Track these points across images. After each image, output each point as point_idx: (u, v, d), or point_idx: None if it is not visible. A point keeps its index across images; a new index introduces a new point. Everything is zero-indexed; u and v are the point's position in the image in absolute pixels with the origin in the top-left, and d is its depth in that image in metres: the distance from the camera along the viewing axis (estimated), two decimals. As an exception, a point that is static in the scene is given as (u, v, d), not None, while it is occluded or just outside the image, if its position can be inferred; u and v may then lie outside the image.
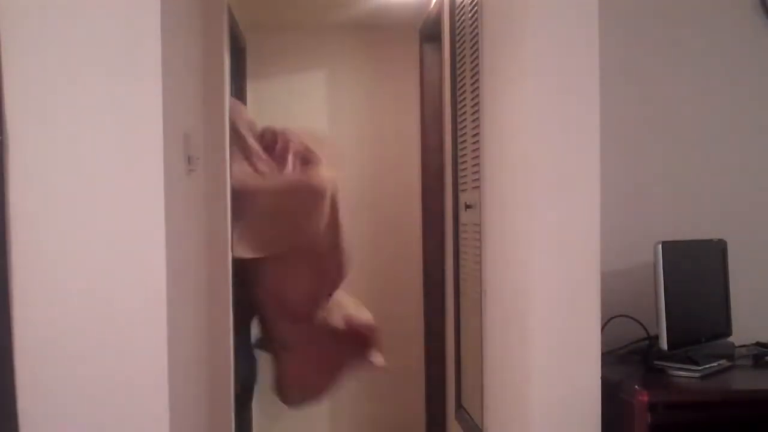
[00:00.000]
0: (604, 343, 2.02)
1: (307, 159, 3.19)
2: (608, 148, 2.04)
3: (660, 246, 2.10)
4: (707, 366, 2.12)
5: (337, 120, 4.40)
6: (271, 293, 3.12)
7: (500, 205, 2.33)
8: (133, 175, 1.79)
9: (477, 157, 2.60)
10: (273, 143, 3.22)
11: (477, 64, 2.56)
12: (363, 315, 3.35)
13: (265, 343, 3.32)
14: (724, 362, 2.20)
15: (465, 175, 2.85)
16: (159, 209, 1.80)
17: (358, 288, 4.38)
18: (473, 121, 2.65)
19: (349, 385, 4.37)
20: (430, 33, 3.80)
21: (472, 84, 2.65)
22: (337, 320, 3.24)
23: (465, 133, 2.82)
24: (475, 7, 2.58)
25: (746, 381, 2.19)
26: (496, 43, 2.35)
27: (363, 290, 4.39)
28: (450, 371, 3.31)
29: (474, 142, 2.65)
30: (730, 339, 2.37)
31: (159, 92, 1.79)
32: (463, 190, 2.91)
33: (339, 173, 3.26)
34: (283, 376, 3.27)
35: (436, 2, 3.51)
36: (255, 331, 3.39)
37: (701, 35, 2.54)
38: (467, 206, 2.81)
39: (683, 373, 2.10)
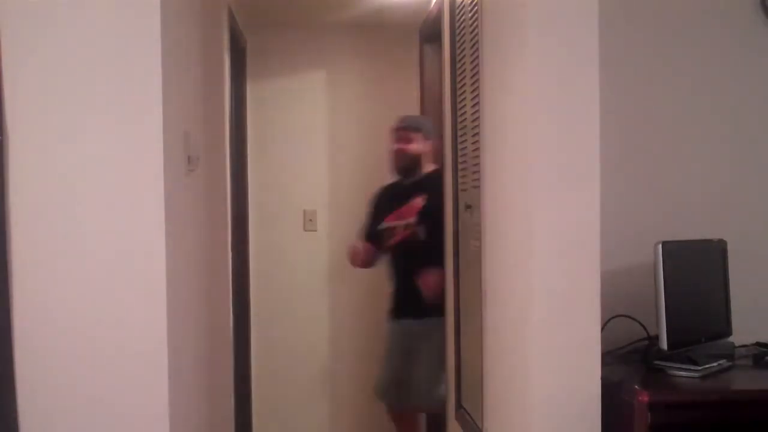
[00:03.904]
0: (604, 343, 2.01)
1: None
2: (608, 147, 2.04)
3: (660, 246, 2.10)
4: (707, 366, 2.12)
5: (337, 120, 4.40)
6: None
7: (500, 205, 2.33)
8: (133, 175, 1.79)
9: (477, 157, 2.60)
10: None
11: (477, 64, 2.56)
12: None
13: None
14: (724, 362, 2.20)
15: (465, 175, 2.85)
16: (159, 209, 1.80)
17: (357, 288, 4.39)
18: (473, 121, 2.65)
19: (350, 385, 4.38)
20: (430, 33, 3.79)
21: (472, 84, 2.65)
22: None
23: (465, 133, 2.82)
24: (475, 7, 2.58)
25: (746, 381, 2.19)
26: (496, 43, 2.35)
27: (363, 290, 4.40)
28: (450, 371, 3.30)
29: (474, 142, 2.65)
30: (730, 339, 2.37)
31: (159, 92, 1.79)
32: (463, 190, 2.91)
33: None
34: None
35: (436, 2, 3.51)
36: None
37: (701, 35, 2.54)
38: (467, 206, 2.81)
39: (683, 373, 2.10)
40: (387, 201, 3.73)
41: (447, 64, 3.23)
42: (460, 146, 2.94)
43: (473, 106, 2.64)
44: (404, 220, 3.57)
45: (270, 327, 4.34)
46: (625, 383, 2.02)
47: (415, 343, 3.57)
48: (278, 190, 4.38)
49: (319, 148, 4.39)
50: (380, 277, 4.37)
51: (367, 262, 3.78)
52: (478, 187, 2.60)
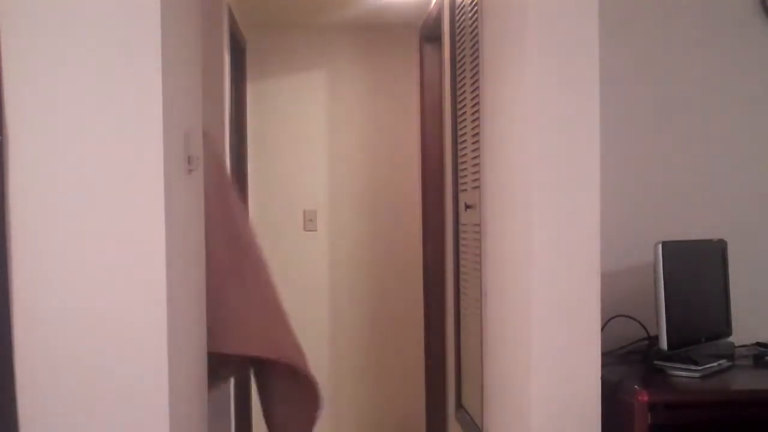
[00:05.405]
0: (604, 343, 2.02)
1: None
2: (608, 147, 2.04)
3: (660, 246, 2.10)
4: (707, 366, 2.12)
5: (337, 120, 4.40)
6: None
7: (500, 205, 2.33)
8: (133, 175, 1.79)
9: (477, 157, 2.60)
10: None
11: (477, 64, 2.56)
12: None
13: None
14: (724, 362, 2.20)
15: (465, 175, 2.85)
16: (159, 209, 1.80)
17: (358, 288, 4.40)
18: (473, 121, 2.65)
19: (350, 385, 4.38)
20: (430, 33, 3.80)
21: (472, 84, 2.65)
22: None
23: (465, 133, 2.82)
24: (475, 7, 2.58)
25: (746, 381, 2.19)
26: (496, 43, 2.35)
27: (363, 290, 4.40)
28: (450, 371, 3.31)
29: (474, 142, 2.65)
30: (730, 339, 2.37)
31: (159, 92, 1.79)
32: (463, 190, 2.91)
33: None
34: None
35: (436, 2, 3.51)
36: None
37: (701, 35, 2.54)
38: (467, 206, 2.81)
39: (683, 373, 2.10)
40: None
41: (447, 64, 3.23)
42: (460, 146, 2.94)
43: (473, 106, 2.64)
44: None
45: (270, 327, 4.33)
46: (625, 383, 2.02)
47: None
48: (278, 190, 4.38)
49: (319, 147, 4.39)
50: (380, 277, 4.38)
51: None
52: (478, 187, 2.60)
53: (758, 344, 2.39)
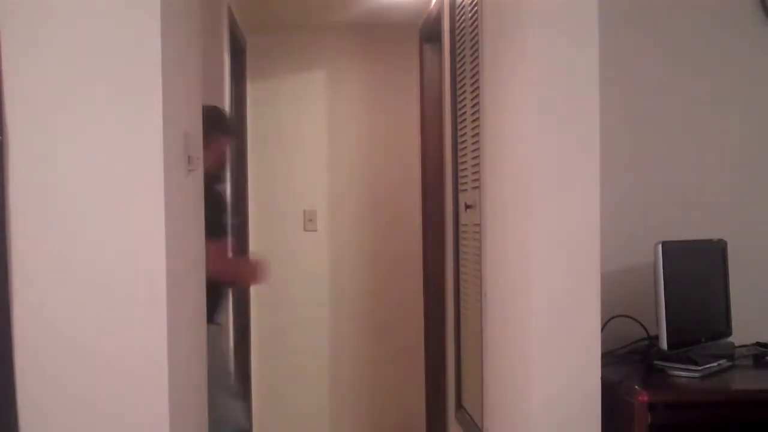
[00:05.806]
0: (604, 343, 2.02)
1: None
2: (608, 148, 2.04)
3: (660, 246, 2.10)
4: (707, 366, 2.12)
5: (337, 120, 4.40)
6: None
7: (500, 205, 2.33)
8: (133, 175, 1.79)
9: (477, 157, 2.60)
10: None
11: (477, 64, 2.56)
12: None
13: None
14: (724, 362, 2.20)
15: (465, 175, 2.85)
16: (159, 209, 1.80)
17: (358, 288, 4.40)
18: (473, 121, 2.65)
19: (350, 385, 4.39)
20: (430, 33, 3.80)
21: (472, 84, 2.65)
22: None
23: (465, 133, 2.82)
24: (475, 7, 2.59)
25: (746, 381, 2.19)
26: (496, 43, 2.35)
27: (363, 290, 4.40)
28: (450, 371, 3.31)
29: (474, 142, 2.65)
30: (730, 339, 2.37)
31: (159, 92, 1.79)
32: (463, 190, 2.91)
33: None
34: None
35: (436, 2, 3.51)
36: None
37: (701, 35, 2.54)
38: (467, 206, 2.81)
39: (683, 373, 2.10)
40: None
41: (447, 64, 3.23)
42: (460, 146, 2.94)
43: (473, 106, 2.64)
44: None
45: (270, 326, 4.34)
46: (625, 383, 2.02)
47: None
48: (278, 190, 4.38)
49: (319, 148, 4.39)
50: (380, 277, 4.38)
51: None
52: (478, 187, 2.60)
53: (758, 344, 2.39)
